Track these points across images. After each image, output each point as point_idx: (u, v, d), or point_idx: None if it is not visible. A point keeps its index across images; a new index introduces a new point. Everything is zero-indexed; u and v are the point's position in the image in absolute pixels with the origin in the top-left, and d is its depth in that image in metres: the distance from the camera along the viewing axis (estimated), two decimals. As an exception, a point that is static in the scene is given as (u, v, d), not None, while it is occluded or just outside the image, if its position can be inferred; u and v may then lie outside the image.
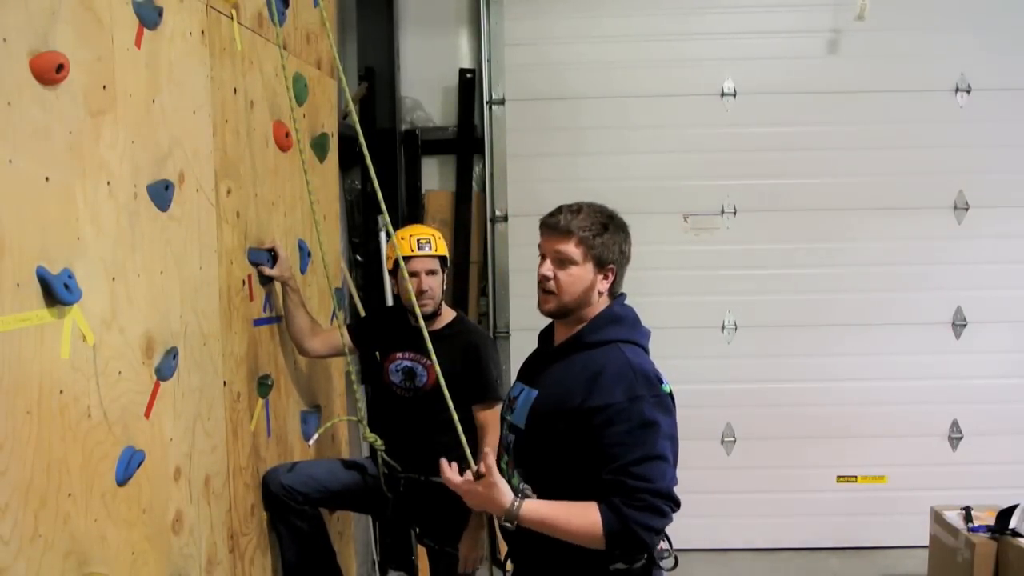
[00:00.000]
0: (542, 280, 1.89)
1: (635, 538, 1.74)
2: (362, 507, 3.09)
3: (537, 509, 1.77)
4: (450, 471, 1.83)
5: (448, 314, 2.87)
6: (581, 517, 1.74)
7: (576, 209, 1.90)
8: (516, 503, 1.77)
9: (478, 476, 1.81)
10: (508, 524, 1.77)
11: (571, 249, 1.86)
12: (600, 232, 1.88)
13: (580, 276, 1.87)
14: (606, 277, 1.91)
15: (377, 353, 2.99)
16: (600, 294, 1.91)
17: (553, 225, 1.89)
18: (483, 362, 2.77)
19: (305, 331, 2.82)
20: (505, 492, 1.77)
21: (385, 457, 2.76)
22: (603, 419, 1.76)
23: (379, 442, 2.75)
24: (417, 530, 3.01)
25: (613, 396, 1.77)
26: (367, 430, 2.77)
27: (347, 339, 2.84)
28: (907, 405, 4.34)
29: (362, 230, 4.36)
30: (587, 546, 1.76)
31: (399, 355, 2.83)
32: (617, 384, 1.79)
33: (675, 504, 1.77)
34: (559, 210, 1.92)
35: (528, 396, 1.92)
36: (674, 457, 1.80)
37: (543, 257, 1.91)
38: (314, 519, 2.75)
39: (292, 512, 2.68)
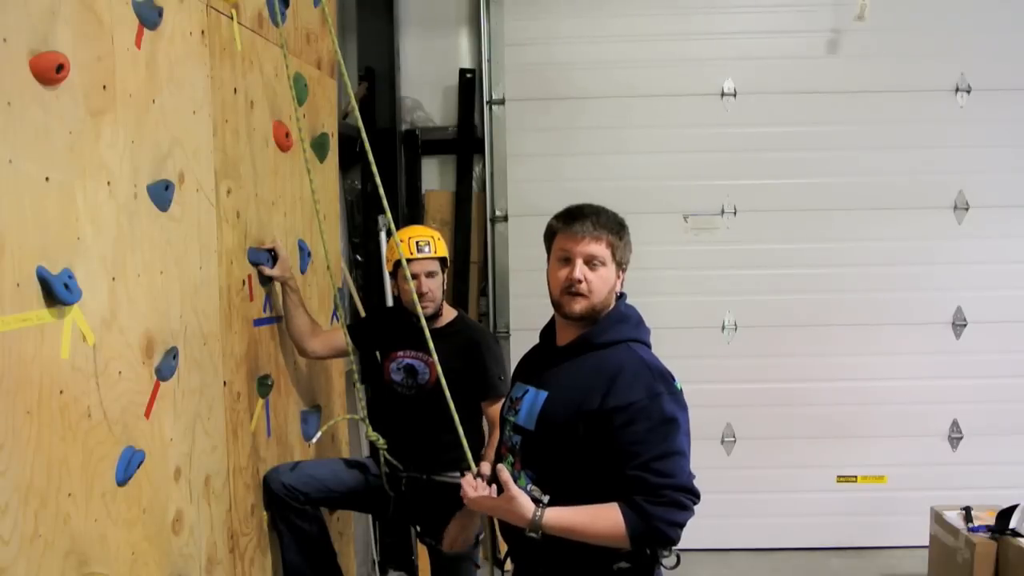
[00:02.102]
0: (575, 283, 1.85)
1: (660, 535, 1.74)
2: (364, 507, 3.10)
3: (560, 517, 1.76)
4: (471, 489, 1.83)
5: (449, 313, 2.87)
6: (604, 519, 1.74)
7: (596, 211, 1.90)
8: (538, 513, 1.76)
9: (478, 477, 1.81)
10: (534, 535, 1.76)
11: (602, 250, 1.86)
12: (621, 234, 1.90)
13: (608, 277, 1.88)
14: (618, 277, 1.92)
15: (377, 353, 2.99)
16: (615, 295, 1.93)
17: (583, 227, 1.87)
18: (484, 359, 2.77)
19: (305, 332, 2.82)
20: (526, 504, 1.76)
21: (387, 456, 2.76)
22: (625, 418, 1.77)
23: (382, 441, 2.75)
24: (418, 529, 3.01)
25: (633, 395, 1.78)
26: (370, 429, 2.77)
27: (349, 340, 2.84)
28: (907, 405, 4.34)
29: (362, 230, 4.35)
30: (612, 546, 1.76)
31: (400, 353, 2.83)
32: (636, 383, 1.80)
33: (696, 497, 1.78)
34: (581, 212, 1.90)
35: (536, 397, 1.91)
36: (689, 452, 1.81)
37: (568, 260, 1.87)
38: (315, 519, 2.75)
39: (293, 512, 2.68)
